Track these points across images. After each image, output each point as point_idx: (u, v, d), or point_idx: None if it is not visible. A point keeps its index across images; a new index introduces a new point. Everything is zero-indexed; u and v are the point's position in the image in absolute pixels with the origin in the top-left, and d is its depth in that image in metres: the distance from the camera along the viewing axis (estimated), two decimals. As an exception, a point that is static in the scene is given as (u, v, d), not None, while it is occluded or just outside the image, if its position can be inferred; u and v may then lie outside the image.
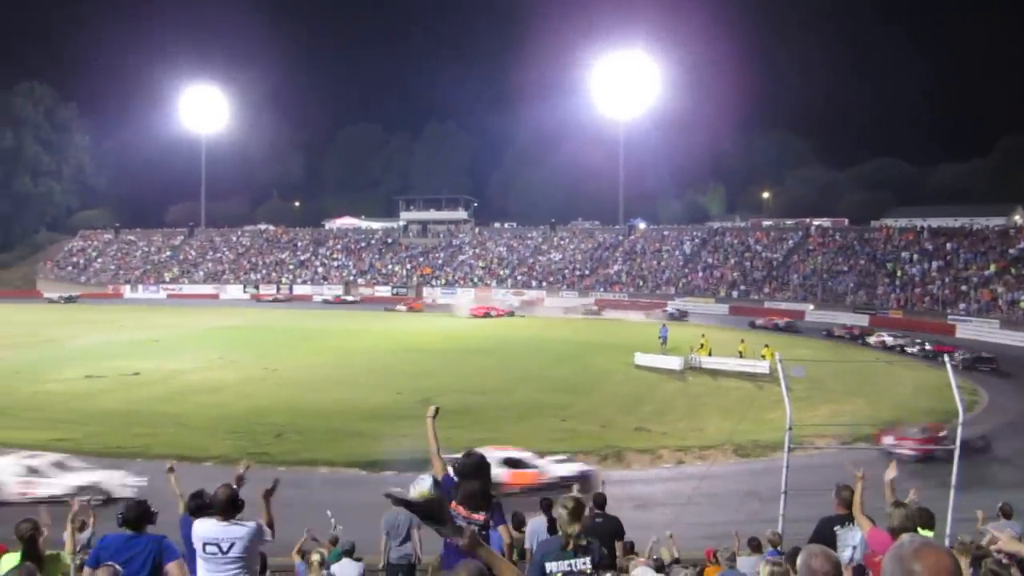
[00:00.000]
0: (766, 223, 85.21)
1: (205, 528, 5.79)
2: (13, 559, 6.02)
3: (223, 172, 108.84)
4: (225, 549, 5.70)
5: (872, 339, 48.27)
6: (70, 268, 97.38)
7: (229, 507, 5.84)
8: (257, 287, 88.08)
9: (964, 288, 59.29)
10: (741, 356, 38.15)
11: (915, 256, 65.37)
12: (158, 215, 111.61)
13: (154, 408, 27.73)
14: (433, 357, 40.88)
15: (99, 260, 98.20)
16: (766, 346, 37.73)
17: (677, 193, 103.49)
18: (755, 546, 10.04)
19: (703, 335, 41.75)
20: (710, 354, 38.81)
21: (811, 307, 64.06)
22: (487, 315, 64.63)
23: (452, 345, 46.35)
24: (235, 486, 6.51)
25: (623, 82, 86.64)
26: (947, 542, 8.69)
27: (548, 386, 33.19)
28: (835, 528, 6.97)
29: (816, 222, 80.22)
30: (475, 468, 5.18)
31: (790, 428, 12.22)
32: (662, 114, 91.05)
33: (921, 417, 25.98)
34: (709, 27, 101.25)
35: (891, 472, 6.92)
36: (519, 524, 9.57)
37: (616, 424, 26.41)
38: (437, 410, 6.27)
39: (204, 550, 5.74)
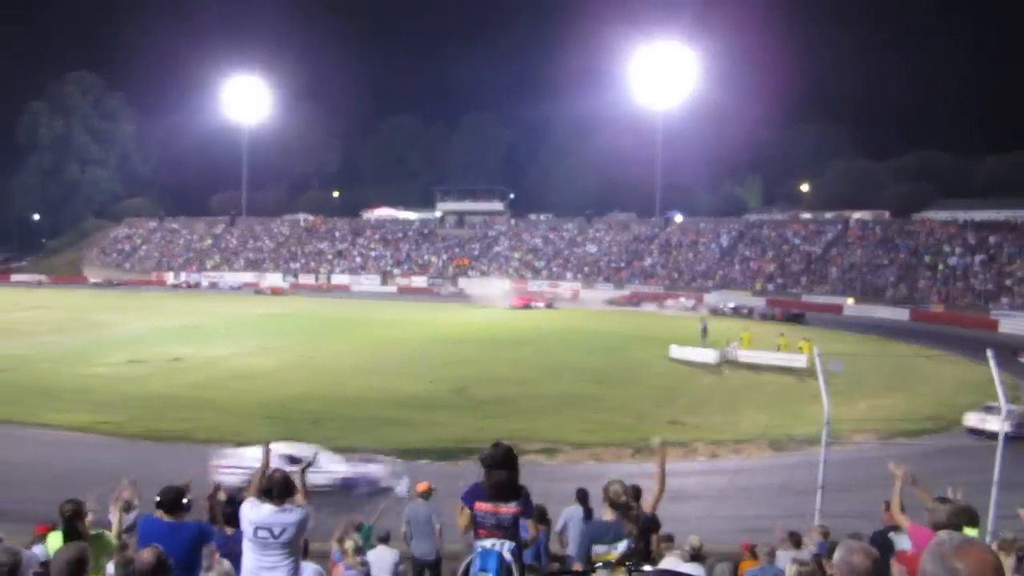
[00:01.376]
0: (804, 215, 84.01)
1: (260, 513, 5.78)
2: (57, 538, 6.12)
3: (264, 162, 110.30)
4: (277, 534, 5.73)
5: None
6: (115, 255, 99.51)
7: (285, 492, 5.88)
8: (296, 275, 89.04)
9: (1008, 283, 57.96)
10: (780, 350, 37.76)
11: (957, 250, 64.03)
12: (201, 204, 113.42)
13: (195, 393, 28.18)
14: (469, 347, 41.02)
15: (143, 247, 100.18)
16: (805, 339, 37.28)
17: (714, 185, 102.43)
18: (795, 541, 9.91)
19: (747, 328, 41.39)
20: (749, 346, 38.57)
21: (850, 301, 63.10)
22: (527, 306, 64.77)
23: (489, 335, 46.51)
24: (299, 469, 6.61)
25: (660, 72, 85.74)
26: (988, 540, 8.49)
27: (584, 378, 33.13)
28: (890, 534, 6.89)
29: (856, 215, 78.84)
30: (503, 458, 5.13)
31: (828, 423, 12.04)
32: (700, 104, 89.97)
33: (962, 413, 25.45)
34: (748, 16, 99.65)
35: (899, 469, 6.65)
36: (541, 516, 9.52)
37: (650, 417, 26.27)
38: (267, 449, 6.18)
39: (255, 534, 5.74)
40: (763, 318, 57.64)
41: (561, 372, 34.38)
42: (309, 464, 7.43)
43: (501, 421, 24.67)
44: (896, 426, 24.84)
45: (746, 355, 37.47)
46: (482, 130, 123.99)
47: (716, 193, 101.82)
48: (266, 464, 6.63)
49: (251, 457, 16.51)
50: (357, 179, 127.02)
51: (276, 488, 5.86)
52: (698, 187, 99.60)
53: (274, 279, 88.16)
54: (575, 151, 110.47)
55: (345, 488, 16.97)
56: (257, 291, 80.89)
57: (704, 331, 42.54)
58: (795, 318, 56.66)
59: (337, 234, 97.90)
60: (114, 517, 6.86)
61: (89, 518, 6.58)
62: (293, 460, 16.21)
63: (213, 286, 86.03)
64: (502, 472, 5.08)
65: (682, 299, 66.80)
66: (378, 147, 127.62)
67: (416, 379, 31.78)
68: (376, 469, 18.13)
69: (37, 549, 6.39)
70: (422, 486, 10.93)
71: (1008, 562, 5.80)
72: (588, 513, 9.99)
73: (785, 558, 9.00)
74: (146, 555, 4.81)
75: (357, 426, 24.00)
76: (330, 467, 17.43)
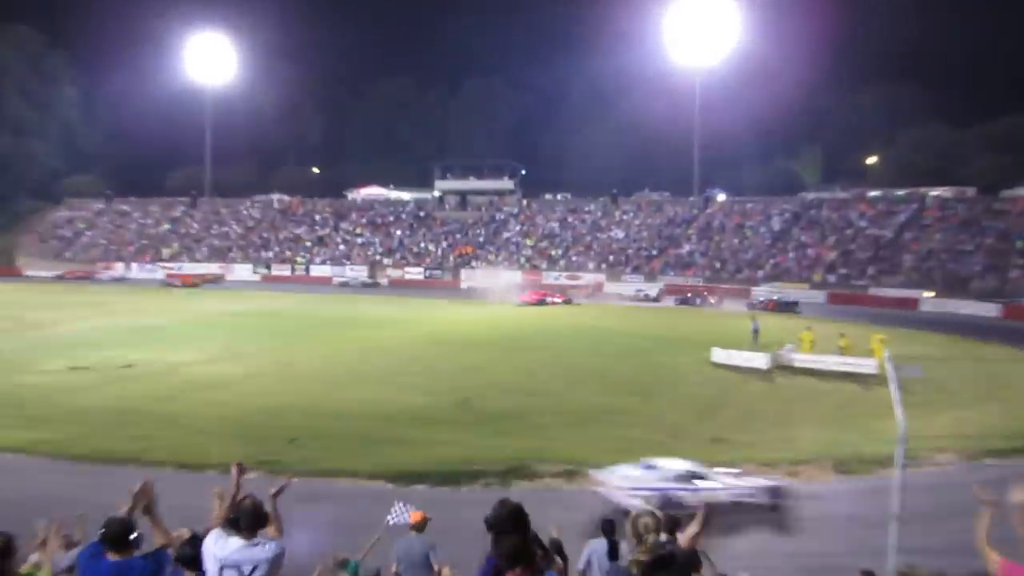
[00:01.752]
0: (872, 193, 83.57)
1: (226, 548, 5.69)
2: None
3: (231, 133, 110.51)
4: (247, 573, 5.62)
5: None
6: (55, 242, 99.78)
7: (256, 524, 5.76)
8: (268, 267, 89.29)
9: (1117, 273, 57.58)
10: (843, 352, 37.54)
11: (1057, 234, 63.71)
12: (157, 182, 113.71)
13: (150, 406, 28.14)
14: (474, 352, 41.00)
15: (88, 233, 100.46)
16: (880, 340, 37.06)
17: (763, 158, 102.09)
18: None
19: (808, 327, 41.17)
20: (809, 349, 38.45)
21: (928, 295, 62.68)
22: (541, 302, 64.69)
23: (498, 337, 46.49)
24: (271, 495, 6.49)
25: (698, 26, 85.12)
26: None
27: (609, 387, 33.05)
28: None
29: (934, 192, 78.32)
30: (512, 521, 5.11)
31: (903, 440, 11.86)
32: (746, 63, 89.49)
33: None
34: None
35: (1020, 494, 6.52)
36: (558, 550, 9.33)
37: (689, 433, 26.11)
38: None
39: (221, 574, 5.66)
40: (750, 307, 60.23)
41: (582, 380, 34.28)
42: (282, 489, 7.28)
43: (512, 439, 24.57)
44: (986, 444, 24.57)
45: (804, 359, 37.28)
46: (488, 96, 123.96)
47: (766, 167, 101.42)
48: (236, 489, 6.57)
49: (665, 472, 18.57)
50: (341, 153, 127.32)
51: (245, 518, 5.74)
52: (744, 161, 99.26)
53: (242, 270, 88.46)
54: (598, 120, 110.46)
55: (734, 505, 17.97)
56: (165, 283, 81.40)
57: (756, 332, 42.45)
58: (787, 307, 59.56)
59: (317, 217, 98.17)
60: (42, 556, 6.74)
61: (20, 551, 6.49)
62: (695, 476, 18.39)
63: (120, 279, 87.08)
64: (513, 538, 5.05)
65: (708, 296, 66.62)
66: (366, 116, 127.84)
67: (411, 389, 31.70)
68: (766, 484, 19.32)
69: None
70: (415, 516, 10.71)
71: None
72: (614, 548, 9.81)
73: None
74: None
75: (343, 445, 23.93)
76: (729, 482, 18.76)
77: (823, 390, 33.24)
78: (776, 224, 78.91)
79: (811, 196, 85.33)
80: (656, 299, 68.86)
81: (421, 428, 25.87)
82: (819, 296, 66.79)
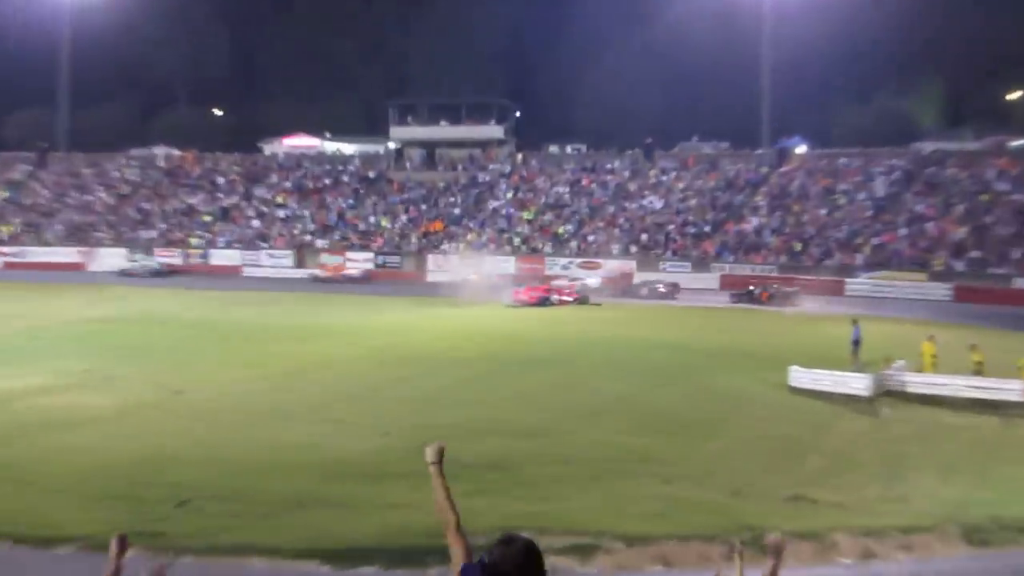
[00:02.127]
0: (1016, 143, 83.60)
1: None
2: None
3: (98, 62, 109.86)
4: None
5: None
6: None
7: None
8: (149, 251, 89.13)
9: None
10: (977, 372, 37.48)
11: None
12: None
13: (-23, 454, 27.98)
14: (448, 373, 41.02)
15: None
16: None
17: (860, 95, 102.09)
18: None
19: (930, 336, 41.04)
20: (931, 367, 38.40)
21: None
22: (543, 302, 64.60)
23: (481, 352, 46.49)
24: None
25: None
26: None
27: (642, 423, 33.01)
28: None
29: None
30: (518, 563, 5.08)
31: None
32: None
33: None
34: None
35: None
36: None
37: (756, 490, 26.04)
38: (442, 452, 6.08)
39: None
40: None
41: (602, 414, 34.28)
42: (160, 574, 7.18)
43: (500, 498, 24.46)
44: None
45: (922, 381, 37.22)
46: (464, 10, 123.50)
47: (864, 109, 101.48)
48: (116, 571, 6.60)
49: None
50: (255, 89, 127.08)
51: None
52: (834, 99, 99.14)
53: (112, 257, 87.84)
54: (623, 43, 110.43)
55: None
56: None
57: (857, 342, 42.14)
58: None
59: (221, 181, 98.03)
60: None
61: None
62: None
63: None
64: None
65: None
66: (290, 37, 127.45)
67: (356, 429, 31.65)
68: None
69: None
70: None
71: None
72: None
73: None
74: None
75: (256, 509, 23.78)
76: None
77: (949, 426, 33.23)
78: (880, 188, 78.92)
79: (930, 148, 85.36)
80: (670, 294, 68.99)
81: (370, 484, 25.75)
82: (940, 291, 66.83)
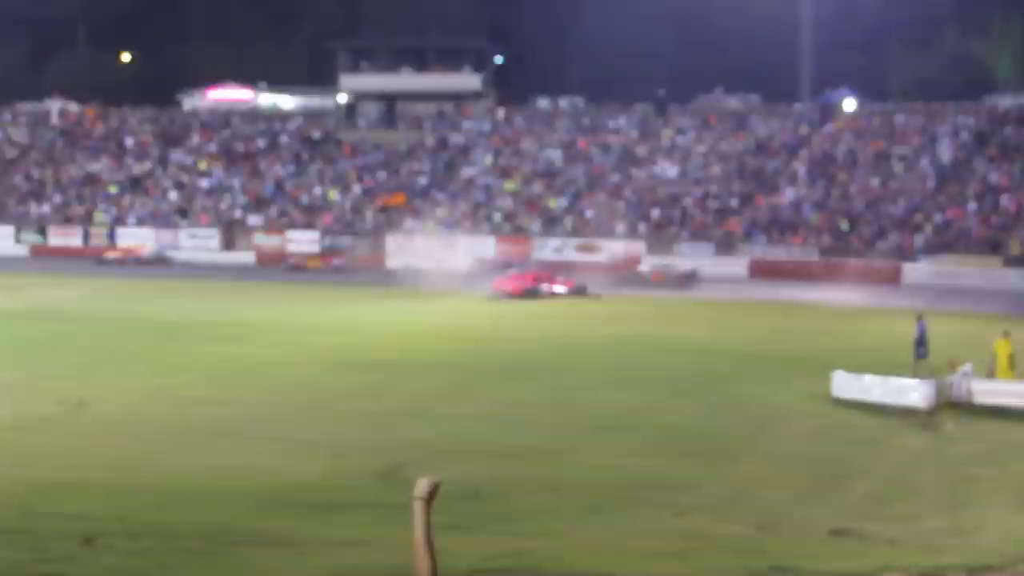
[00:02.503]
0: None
1: None
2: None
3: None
4: None
5: None
6: None
7: None
8: (43, 231, 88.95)
9: None
10: None
11: None
12: None
13: None
14: (415, 381, 41.14)
15: None
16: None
17: (922, 41, 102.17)
18: None
19: (1006, 332, 41.17)
20: (1009, 372, 38.53)
21: None
22: (531, 292, 64.91)
23: (454, 355, 46.63)
24: None
25: None
26: None
27: (653, 442, 33.20)
28: None
29: None
30: None
31: None
32: None
33: None
34: None
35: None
36: None
37: (791, 523, 26.25)
38: (435, 490, 6.44)
39: None
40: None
41: (603, 431, 34.45)
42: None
43: (480, 535, 24.58)
44: None
45: (990, 390, 37.46)
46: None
47: (927, 56, 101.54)
48: None
49: None
50: (172, 29, 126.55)
51: None
52: (889, 45, 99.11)
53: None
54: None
55: None
56: None
57: (921, 341, 42.05)
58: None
59: (131, 142, 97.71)
60: None
61: None
62: None
63: None
64: None
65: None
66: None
67: (301, 449, 31.78)
68: None
69: None
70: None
71: None
72: None
73: None
74: None
75: (177, 549, 23.95)
76: None
77: (1022, 444, 33.60)
78: (946, 152, 79.25)
79: (1007, 103, 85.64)
80: (686, 283, 69.49)
81: (317, 516, 25.76)
82: (1018, 278, 67.19)
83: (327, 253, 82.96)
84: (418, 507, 6.27)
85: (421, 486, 6.40)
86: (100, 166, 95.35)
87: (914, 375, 39.04)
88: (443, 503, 25.38)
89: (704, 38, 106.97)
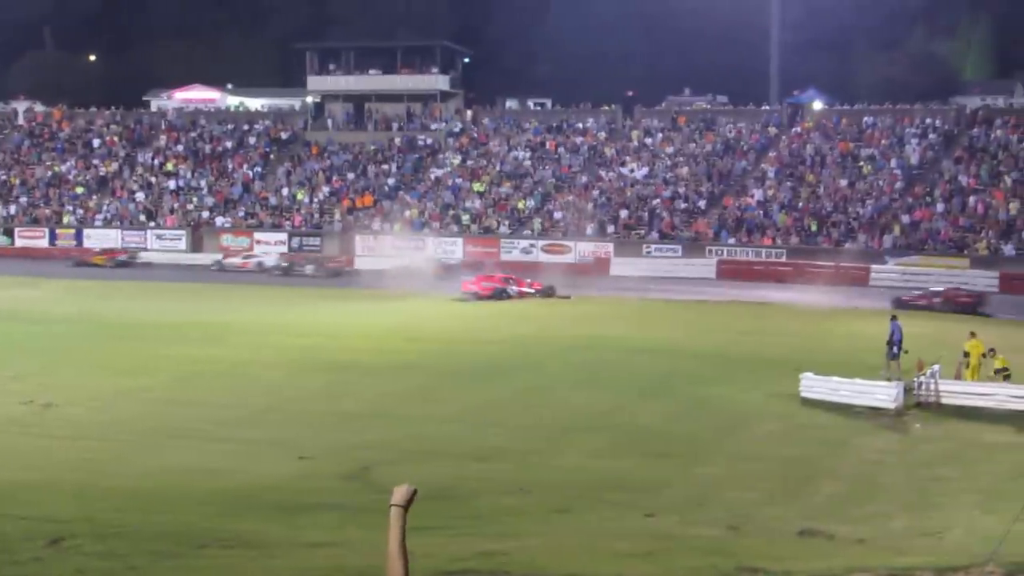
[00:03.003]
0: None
1: None
2: None
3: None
4: None
5: None
6: None
7: None
8: (10, 233, 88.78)
9: None
10: (996, 375, 38.20)
11: None
12: None
13: None
14: (382, 382, 41.16)
15: None
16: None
17: (889, 42, 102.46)
18: None
19: (973, 333, 41.35)
20: (975, 373, 38.86)
21: None
22: (499, 294, 64.91)
23: (423, 356, 46.59)
24: None
25: None
26: None
27: (622, 443, 33.28)
28: None
29: None
30: None
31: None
32: None
33: None
34: None
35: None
36: None
37: (759, 523, 26.34)
38: (413, 496, 6.42)
39: None
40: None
41: (572, 432, 34.49)
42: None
43: (448, 536, 24.61)
44: None
45: (957, 390, 37.63)
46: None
47: (894, 57, 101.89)
48: None
49: None
50: (140, 30, 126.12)
51: None
52: (858, 45, 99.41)
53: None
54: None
55: None
56: None
57: (895, 342, 42.10)
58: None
59: (97, 143, 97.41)
60: None
61: None
62: None
63: None
64: None
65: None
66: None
67: (268, 450, 31.76)
68: None
69: None
70: None
71: None
72: None
73: None
74: None
75: (144, 551, 23.90)
76: None
77: (991, 444, 33.61)
78: (914, 153, 79.52)
79: (975, 104, 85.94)
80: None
81: (285, 519, 25.73)
82: (985, 279, 67.36)
83: (111, 251, 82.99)
84: (396, 514, 6.20)
85: (399, 493, 6.33)
86: (66, 167, 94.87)
87: (887, 375, 39.21)
88: (415, 503, 25.42)
89: (672, 39, 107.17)
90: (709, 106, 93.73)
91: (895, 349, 41.54)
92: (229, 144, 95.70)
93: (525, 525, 25.77)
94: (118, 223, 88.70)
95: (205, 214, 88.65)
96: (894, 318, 43.60)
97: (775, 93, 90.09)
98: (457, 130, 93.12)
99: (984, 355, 39.84)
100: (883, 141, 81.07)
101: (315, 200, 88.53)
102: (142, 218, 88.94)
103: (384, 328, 54.28)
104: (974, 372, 39.24)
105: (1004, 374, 38.20)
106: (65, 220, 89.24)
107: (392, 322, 56.22)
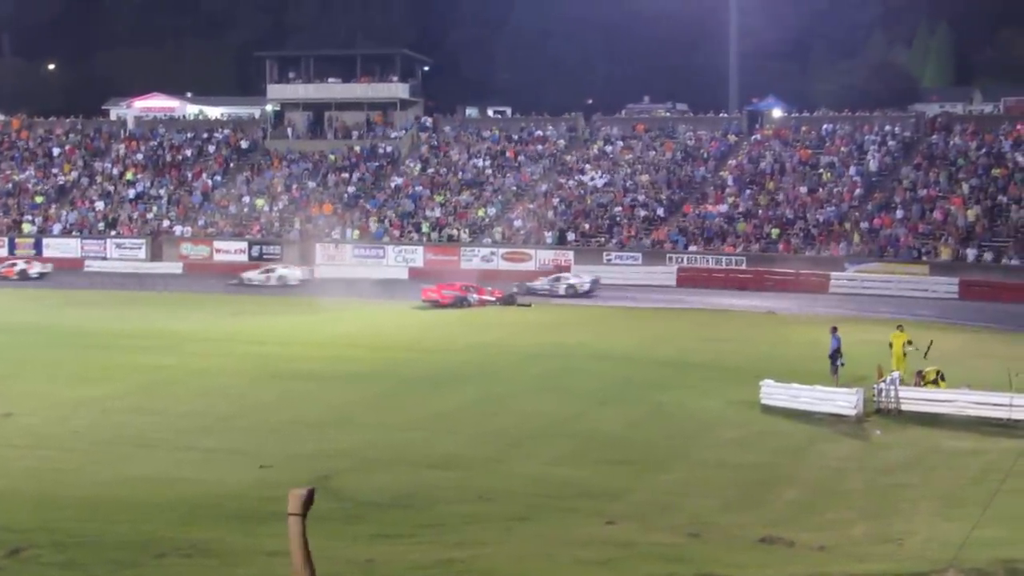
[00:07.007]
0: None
1: None
2: None
3: None
4: None
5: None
6: None
7: None
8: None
9: None
10: (926, 381, 38.38)
11: None
12: None
13: None
14: (341, 390, 41.11)
15: None
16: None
17: (849, 49, 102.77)
18: None
19: (899, 326, 41.58)
20: (938, 381, 38.85)
21: None
22: (459, 302, 64.60)
23: (383, 366, 46.51)
24: None
25: None
26: None
27: (582, 450, 33.24)
28: None
29: None
30: None
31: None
32: None
33: None
34: None
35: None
36: None
37: (719, 530, 26.34)
38: (311, 500, 6.33)
39: None
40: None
41: (531, 440, 34.48)
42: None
43: (406, 544, 24.57)
44: None
45: (918, 397, 37.71)
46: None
47: (853, 64, 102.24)
48: None
49: None
50: (98, 38, 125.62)
51: None
52: (817, 54, 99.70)
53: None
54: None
55: None
56: None
57: (837, 352, 42.28)
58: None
59: (56, 152, 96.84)
60: None
61: None
62: None
63: None
64: None
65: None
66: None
67: (227, 459, 31.66)
68: None
69: None
70: None
71: None
72: None
73: None
74: None
75: (103, 560, 23.77)
76: None
77: (951, 451, 33.70)
78: (873, 159, 79.73)
79: (934, 111, 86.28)
80: (588, 293, 69.74)
81: (246, 527, 25.69)
82: (945, 286, 67.76)
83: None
84: (294, 525, 6.12)
85: (294, 500, 6.23)
86: (24, 176, 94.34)
87: (835, 383, 39.30)
88: (370, 511, 25.56)
89: (631, 47, 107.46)
90: (669, 114, 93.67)
91: (837, 361, 41.45)
92: (188, 153, 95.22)
93: (486, 533, 25.66)
94: (77, 232, 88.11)
95: (165, 223, 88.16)
96: (834, 330, 43.23)
97: (734, 101, 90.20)
98: (417, 139, 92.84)
99: (906, 345, 40.74)
100: (842, 148, 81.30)
101: (275, 209, 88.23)
102: (101, 227, 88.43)
103: (344, 336, 54.21)
104: (899, 361, 39.81)
105: (934, 380, 38.44)
106: (25, 229, 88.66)
107: (352, 330, 56.24)
